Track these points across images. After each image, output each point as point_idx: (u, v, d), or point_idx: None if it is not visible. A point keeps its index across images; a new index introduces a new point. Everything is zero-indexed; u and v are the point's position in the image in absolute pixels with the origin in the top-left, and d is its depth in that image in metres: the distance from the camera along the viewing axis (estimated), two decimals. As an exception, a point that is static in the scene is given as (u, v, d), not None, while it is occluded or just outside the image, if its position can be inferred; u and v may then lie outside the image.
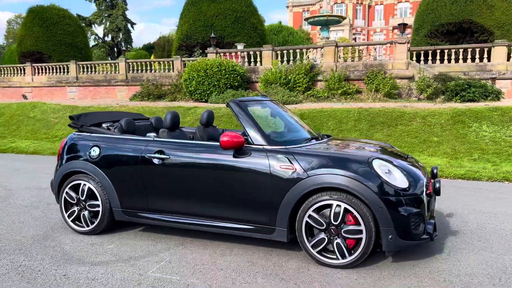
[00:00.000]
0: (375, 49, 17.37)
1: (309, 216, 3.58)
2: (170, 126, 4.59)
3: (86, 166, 4.43)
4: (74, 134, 4.75)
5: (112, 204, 4.38)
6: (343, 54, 15.50)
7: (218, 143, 4.02)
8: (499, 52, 15.48)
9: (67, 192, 4.56)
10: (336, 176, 3.48)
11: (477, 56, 15.83)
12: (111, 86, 21.90)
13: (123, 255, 3.93)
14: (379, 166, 3.52)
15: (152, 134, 4.49)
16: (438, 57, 16.26)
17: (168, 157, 4.08)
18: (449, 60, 16.18)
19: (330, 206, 3.52)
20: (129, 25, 56.26)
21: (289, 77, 15.16)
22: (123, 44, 55.81)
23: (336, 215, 3.49)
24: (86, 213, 4.49)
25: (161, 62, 20.97)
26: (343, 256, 3.51)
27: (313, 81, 15.46)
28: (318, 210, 3.57)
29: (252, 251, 4.00)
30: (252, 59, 17.24)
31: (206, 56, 19.20)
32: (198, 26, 20.28)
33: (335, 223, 3.50)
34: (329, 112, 11.66)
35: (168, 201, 4.15)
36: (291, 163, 3.66)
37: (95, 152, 4.43)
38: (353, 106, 12.36)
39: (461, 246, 4.05)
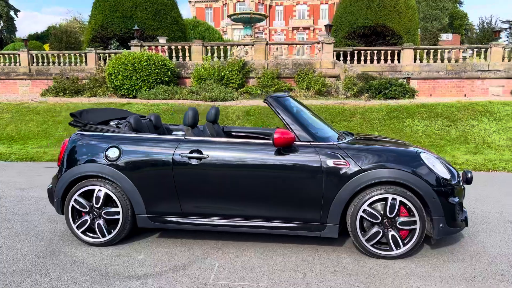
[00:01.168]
0: (298, 49, 18.06)
1: (364, 210, 3.66)
2: (192, 124, 4.30)
3: (104, 169, 3.94)
4: (78, 133, 4.18)
5: (135, 210, 3.96)
6: (274, 52, 15.86)
7: (261, 141, 3.90)
8: (407, 54, 17.25)
9: (76, 200, 4.00)
10: (392, 170, 3.61)
11: (389, 57, 17.44)
12: (10, 80, 19.48)
13: (166, 265, 3.59)
14: (427, 159, 3.74)
15: (180, 133, 4.15)
16: (355, 57, 17.54)
17: (206, 156, 3.82)
18: (365, 61, 17.57)
19: (385, 199, 3.64)
20: (12, 12, 50.24)
21: (223, 74, 15.05)
22: (4, 33, 49.70)
23: (392, 208, 3.62)
24: (101, 222, 4.00)
25: (72, 55, 19.22)
26: (398, 247, 3.66)
27: (246, 78, 15.56)
28: (371, 204, 3.67)
29: (297, 249, 3.95)
30: (180, 54, 16.70)
31: (124, 49, 18.13)
32: (115, 17, 18.97)
33: (390, 216, 3.64)
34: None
35: (206, 203, 3.90)
36: (343, 159, 3.69)
37: (114, 153, 3.95)
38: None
39: (472, 230, 4.48)
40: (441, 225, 3.64)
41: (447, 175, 3.74)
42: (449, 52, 17.63)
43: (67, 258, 3.75)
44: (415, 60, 17.27)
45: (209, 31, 26.06)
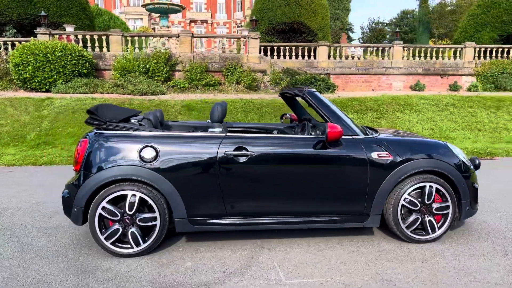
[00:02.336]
0: (218, 42, 17.93)
1: (405, 199, 3.87)
2: (221, 119, 4.08)
3: (139, 172, 3.53)
4: (98, 133, 3.66)
5: (174, 214, 3.64)
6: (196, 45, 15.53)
7: (306, 136, 3.88)
8: (322, 51, 18.29)
9: (104, 208, 3.53)
10: (429, 160, 3.88)
11: (306, 54, 18.30)
12: None
13: (224, 269, 3.39)
14: (453, 148, 4.10)
15: (217, 130, 3.89)
16: (275, 53, 18.05)
17: (252, 153, 3.67)
18: (284, 56, 18.19)
19: (422, 187, 3.90)
20: None
21: (148, 66, 14.29)
22: None
23: (430, 195, 3.90)
24: (134, 230, 3.59)
25: (-44, 41, 16.41)
26: (433, 231, 3.96)
27: (172, 71, 14.99)
28: (411, 193, 3.90)
29: (337, 242, 4.02)
30: (96, 44, 15.38)
31: (21, 36, 16.12)
32: (11, 0, 16.68)
33: (427, 202, 3.91)
34: (213, 104, 11.65)
35: (252, 202, 3.75)
36: (386, 151, 3.86)
37: (150, 154, 3.56)
38: (230, 97, 12.68)
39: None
40: (467, 208, 4.03)
41: (468, 162, 4.14)
42: (358, 49, 19.13)
43: (107, 273, 3.30)
44: (329, 57, 18.40)
45: (113, 20, 24.39)
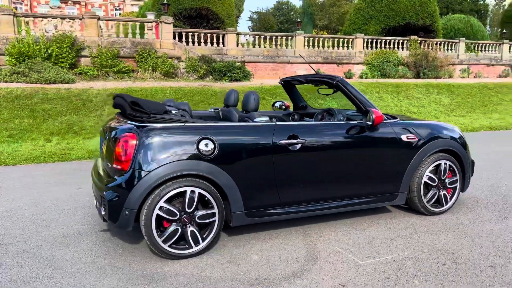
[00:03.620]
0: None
1: (426, 176, 4.26)
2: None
3: (198, 165, 3.25)
4: (144, 126, 3.25)
5: (232, 207, 3.44)
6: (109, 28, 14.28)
7: (349, 122, 4.00)
8: (231, 39, 18.34)
9: (162, 208, 3.17)
10: (445, 140, 4.32)
11: (215, 41, 18.16)
12: None
13: (296, 259, 3.35)
14: (457, 129, 4.61)
15: (263, 119, 3.73)
16: (184, 38, 17.52)
17: (304, 141, 3.66)
18: (194, 43, 17.78)
19: (439, 165, 4.33)
20: None
21: (50, 51, 12.69)
22: None
23: (444, 172, 4.35)
24: (193, 228, 3.31)
25: None
26: (446, 203, 4.43)
27: (78, 57, 13.54)
28: (430, 171, 4.30)
29: (369, 221, 4.25)
30: (-20, 24, 13.05)
31: None
32: None
33: (443, 178, 4.36)
34: (142, 92, 10.95)
35: (304, 190, 3.75)
36: (411, 133, 4.18)
37: (208, 146, 3.30)
38: (152, 85, 12.01)
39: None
40: (468, 180, 4.60)
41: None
42: (264, 38, 19.64)
43: (183, 278, 3.01)
44: (237, 45, 18.54)
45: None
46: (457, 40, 23.03)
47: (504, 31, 27.70)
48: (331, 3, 35.97)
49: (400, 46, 21.35)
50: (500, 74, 23.26)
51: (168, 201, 3.23)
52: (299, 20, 24.49)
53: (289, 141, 3.60)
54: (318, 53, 19.86)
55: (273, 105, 5.68)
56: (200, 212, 3.34)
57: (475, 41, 23.98)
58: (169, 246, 3.26)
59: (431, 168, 4.28)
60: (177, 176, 3.22)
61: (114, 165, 3.27)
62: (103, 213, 3.28)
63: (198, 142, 3.29)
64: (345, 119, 4.50)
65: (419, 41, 21.61)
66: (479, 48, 24.05)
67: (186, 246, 3.34)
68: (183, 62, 15.09)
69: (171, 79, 14.20)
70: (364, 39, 20.81)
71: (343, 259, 3.35)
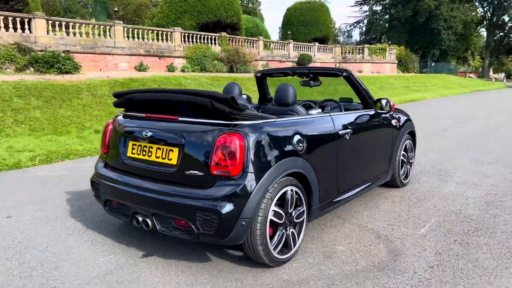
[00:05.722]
0: None
1: (402, 154, 5.03)
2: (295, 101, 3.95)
3: (296, 162, 3.12)
4: (245, 124, 2.86)
5: (312, 203, 3.38)
6: None
7: (365, 111, 4.33)
8: (40, 24, 15.70)
9: (274, 212, 2.94)
10: (410, 122, 5.18)
11: (19, 26, 15.19)
12: None
13: (378, 246, 3.55)
14: None
15: (316, 110, 3.68)
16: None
17: (351, 130, 3.86)
18: (-9, 27, 14.43)
19: (408, 143, 5.17)
20: None
21: None
22: None
23: (411, 148, 5.23)
24: (293, 230, 3.16)
25: None
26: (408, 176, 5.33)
27: None
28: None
29: (367, 201, 4.73)
30: None
31: None
32: None
33: (409, 153, 5.22)
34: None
35: (351, 175, 3.97)
36: (395, 119, 4.86)
37: (300, 141, 3.18)
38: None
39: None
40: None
41: None
42: (80, 26, 17.49)
43: (290, 285, 2.82)
44: (48, 32, 16.00)
45: None
46: (257, 39, 25.78)
47: (289, 32, 32.37)
48: (125, -7, 34.39)
49: (214, 42, 22.46)
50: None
51: (276, 204, 2.95)
52: (90, 9, 22.50)
53: (345, 130, 3.74)
54: (139, 45, 19.04)
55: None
56: (296, 211, 3.17)
57: (270, 40, 27.33)
58: (277, 253, 3.00)
59: (404, 147, 5.06)
60: (284, 175, 2.97)
61: (216, 171, 2.75)
62: (197, 230, 2.73)
63: (293, 137, 3.11)
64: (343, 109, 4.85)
65: (228, 38, 23.21)
66: (273, 47, 27.55)
67: (286, 249, 3.11)
68: (-7, 51, 12.13)
69: (-15, 71, 11.26)
70: (181, 33, 21.00)
71: (409, 233, 3.72)
